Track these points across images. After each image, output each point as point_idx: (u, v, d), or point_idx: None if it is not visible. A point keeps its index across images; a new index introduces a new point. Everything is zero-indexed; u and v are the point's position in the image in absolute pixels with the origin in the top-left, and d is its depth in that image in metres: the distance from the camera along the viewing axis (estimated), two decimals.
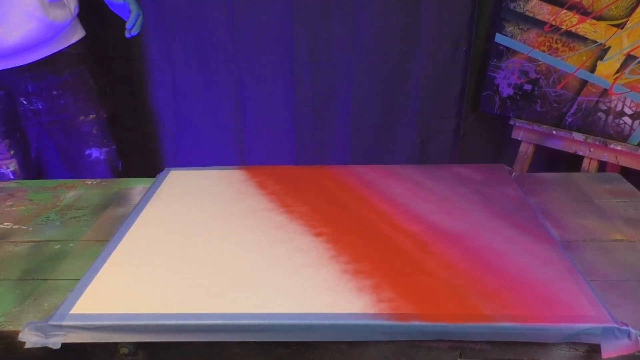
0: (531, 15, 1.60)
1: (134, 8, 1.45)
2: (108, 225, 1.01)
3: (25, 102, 1.47)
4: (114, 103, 1.66)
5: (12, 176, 1.46)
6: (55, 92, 1.46)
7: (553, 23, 1.57)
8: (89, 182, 1.21)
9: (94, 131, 1.53)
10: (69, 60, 1.47)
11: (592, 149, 1.56)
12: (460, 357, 0.72)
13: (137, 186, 1.18)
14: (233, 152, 1.92)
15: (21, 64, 1.39)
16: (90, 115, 1.51)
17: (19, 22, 1.31)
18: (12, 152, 1.47)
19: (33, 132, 1.63)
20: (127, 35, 1.45)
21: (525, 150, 1.71)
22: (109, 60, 1.81)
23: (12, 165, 1.46)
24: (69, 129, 1.51)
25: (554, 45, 1.58)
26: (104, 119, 1.55)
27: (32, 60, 1.40)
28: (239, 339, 0.72)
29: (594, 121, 1.54)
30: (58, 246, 0.94)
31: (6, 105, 1.44)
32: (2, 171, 1.45)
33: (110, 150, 1.57)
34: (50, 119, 1.50)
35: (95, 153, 1.54)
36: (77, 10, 1.47)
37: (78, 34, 1.50)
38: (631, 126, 1.48)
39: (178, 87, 1.85)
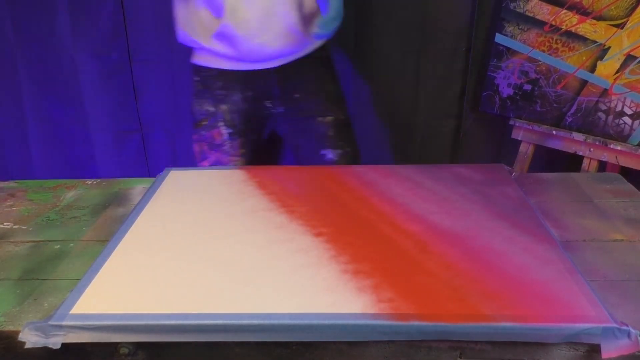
0: (531, 15, 1.60)
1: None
2: (108, 225, 1.01)
3: (269, 106, 1.48)
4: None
5: None
6: (297, 95, 1.47)
7: (553, 23, 1.57)
8: (89, 182, 1.21)
9: (330, 133, 1.52)
10: (311, 63, 1.47)
11: (592, 149, 1.56)
12: (460, 357, 0.72)
13: (137, 186, 1.18)
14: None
15: (272, 67, 1.41)
16: (328, 117, 1.51)
17: (277, 35, 1.36)
18: (242, 150, 1.48)
19: (267, 134, 1.61)
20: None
21: (525, 150, 1.71)
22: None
23: (239, 163, 1.48)
24: (307, 131, 1.51)
25: (554, 45, 1.58)
26: (341, 120, 1.54)
27: (282, 64, 1.42)
28: (239, 339, 0.72)
29: (594, 121, 1.54)
30: (58, 246, 0.94)
31: (251, 106, 1.46)
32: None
33: (344, 153, 1.54)
34: (291, 120, 1.52)
35: (329, 155, 1.53)
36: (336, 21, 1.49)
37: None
38: (631, 126, 1.48)
39: (178, 87, 1.85)
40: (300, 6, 1.36)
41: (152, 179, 1.18)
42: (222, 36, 1.35)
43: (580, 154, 1.59)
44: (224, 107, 1.45)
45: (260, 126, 1.53)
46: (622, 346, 0.69)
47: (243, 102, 1.46)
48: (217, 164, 1.48)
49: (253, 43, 1.35)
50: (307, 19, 1.39)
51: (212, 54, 1.41)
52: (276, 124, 1.55)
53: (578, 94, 1.56)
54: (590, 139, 1.55)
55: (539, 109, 1.65)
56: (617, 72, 1.48)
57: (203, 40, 1.38)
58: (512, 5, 1.64)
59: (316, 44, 1.46)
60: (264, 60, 1.40)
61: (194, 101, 1.48)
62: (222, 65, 1.42)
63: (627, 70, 1.46)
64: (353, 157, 1.57)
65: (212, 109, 1.46)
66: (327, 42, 1.51)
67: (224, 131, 1.47)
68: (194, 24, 1.39)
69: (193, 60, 1.46)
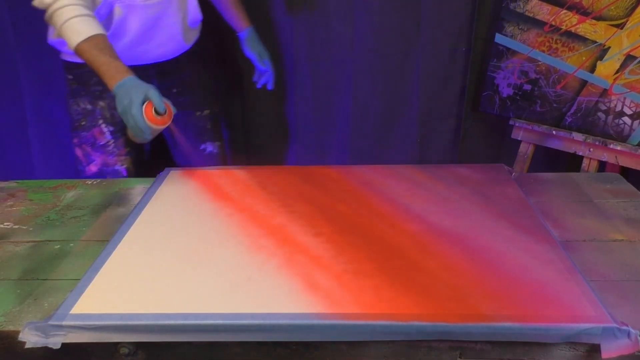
0: (531, 15, 1.60)
1: (269, 68, 1.60)
2: (108, 225, 1.01)
3: None
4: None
5: (125, 174, 1.44)
6: (175, 90, 1.48)
7: (553, 23, 1.57)
8: (89, 182, 1.21)
9: (208, 126, 1.55)
10: (189, 59, 1.50)
11: (592, 149, 1.56)
12: (460, 357, 0.72)
13: (137, 186, 1.18)
14: (233, 152, 1.92)
15: (147, 63, 1.42)
16: (205, 111, 1.54)
17: (163, 42, 1.39)
18: (128, 149, 1.45)
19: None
20: (259, 85, 1.62)
21: (525, 150, 1.71)
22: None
23: (126, 162, 1.44)
24: (186, 125, 1.52)
25: (554, 46, 1.58)
26: (216, 113, 1.59)
27: (159, 60, 1.44)
28: (239, 339, 0.72)
29: (594, 121, 1.54)
30: (58, 246, 0.94)
31: None
32: (116, 168, 1.44)
33: (221, 145, 1.60)
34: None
35: (210, 147, 1.56)
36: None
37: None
38: (631, 126, 1.48)
39: None
40: (185, 17, 1.39)
41: (152, 179, 1.18)
42: None
43: (580, 154, 1.59)
44: (102, 103, 1.41)
45: None
46: (622, 346, 0.69)
47: None
48: (104, 167, 1.43)
49: (134, 50, 1.35)
50: (190, 26, 1.43)
51: None
52: None
53: (578, 94, 1.56)
54: (590, 139, 1.55)
55: (539, 109, 1.65)
56: (617, 72, 1.48)
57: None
58: (512, 5, 1.64)
59: (192, 41, 1.49)
60: (143, 63, 1.40)
61: (69, 101, 1.43)
62: None
63: (627, 70, 1.46)
64: (224, 150, 1.61)
65: (89, 106, 1.41)
66: (202, 38, 1.54)
67: (105, 129, 1.42)
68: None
69: (63, 57, 1.40)
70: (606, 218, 1.00)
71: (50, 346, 0.71)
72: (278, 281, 0.79)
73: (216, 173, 1.19)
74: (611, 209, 1.03)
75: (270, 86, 1.64)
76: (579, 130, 1.57)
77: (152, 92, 1.13)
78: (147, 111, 1.12)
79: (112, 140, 1.42)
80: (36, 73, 1.83)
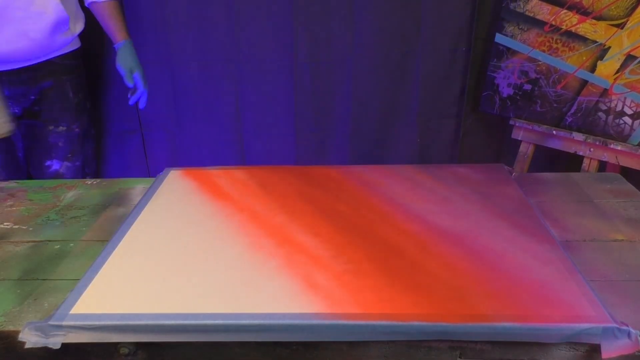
0: (531, 15, 1.60)
1: (140, 85, 1.52)
2: (108, 225, 1.01)
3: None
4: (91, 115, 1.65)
5: None
6: (32, 97, 1.44)
7: (553, 23, 1.57)
8: (89, 182, 1.21)
9: (60, 144, 1.51)
10: (52, 69, 1.45)
11: (592, 149, 1.56)
12: (460, 357, 0.72)
13: (137, 186, 1.18)
14: (233, 152, 1.92)
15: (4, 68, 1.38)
16: (60, 127, 1.49)
17: (12, 37, 1.32)
18: None
19: (18, 132, 1.58)
20: (131, 103, 1.53)
21: (525, 150, 1.71)
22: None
23: None
24: (36, 136, 1.49)
25: (554, 45, 1.58)
26: (75, 133, 1.53)
27: (11, 68, 1.38)
28: (239, 339, 0.72)
29: (594, 121, 1.54)
30: (58, 246, 0.94)
31: None
32: None
33: (73, 166, 1.54)
34: (23, 122, 1.48)
35: (56, 165, 1.52)
36: (81, 29, 1.47)
37: (70, 46, 1.49)
38: (631, 126, 1.48)
39: (178, 87, 1.85)
40: (42, 14, 1.32)
41: (152, 179, 1.18)
42: None
43: (580, 154, 1.59)
44: None
45: None
46: (622, 346, 0.69)
47: None
48: None
49: None
50: (51, 27, 1.35)
51: None
52: (18, 126, 1.49)
53: (578, 94, 1.56)
54: (590, 139, 1.55)
55: (539, 109, 1.65)
56: (617, 72, 1.48)
57: None
58: (512, 5, 1.64)
59: (60, 50, 1.43)
60: None
61: None
62: None
63: (627, 70, 1.46)
64: (83, 170, 1.54)
65: None
66: (78, 51, 1.49)
67: None
68: None
69: None
70: (606, 218, 0.99)
71: (50, 346, 0.71)
72: (278, 281, 0.79)
73: (216, 173, 1.19)
74: (611, 209, 1.03)
75: (142, 105, 1.57)
76: (579, 130, 1.57)
77: None
78: None
79: None
80: None
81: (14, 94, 1.42)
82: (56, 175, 1.52)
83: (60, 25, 1.39)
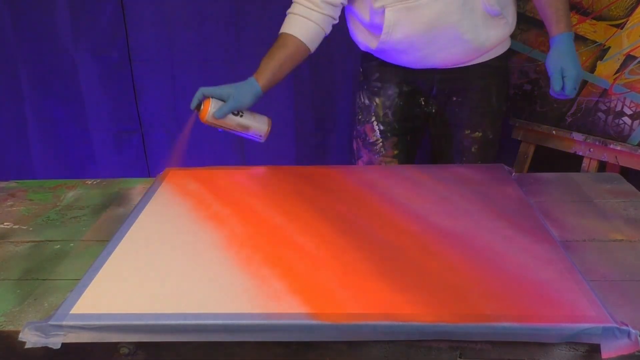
0: (531, 15, 1.60)
1: (566, 89, 1.25)
2: (108, 225, 1.01)
3: (422, 104, 1.41)
4: None
5: None
6: (454, 99, 1.38)
7: None
8: (89, 182, 1.21)
9: (473, 149, 1.40)
10: (482, 71, 1.35)
11: (592, 149, 1.56)
12: (460, 357, 0.72)
13: (137, 186, 1.18)
14: (233, 152, 1.92)
15: (437, 67, 1.33)
16: (476, 133, 1.39)
17: (442, 47, 1.27)
18: (395, 152, 1.40)
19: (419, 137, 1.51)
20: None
21: (525, 150, 1.71)
22: None
23: (392, 165, 1.40)
24: (452, 140, 1.42)
25: None
26: (478, 138, 1.40)
27: (448, 67, 1.33)
28: (238, 339, 0.72)
29: (594, 121, 1.54)
30: (58, 246, 0.94)
31: (405, 103, 1.39)
32: None
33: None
34: (440, 124, 1.43)
35: None
36: (514, 25, 1.33)
37: (502, 46, 1.37)
38: (631, 126, 1.48)
39: (178, 87, 1.85)
40: (470, 14, 1.22)
41: (152, 179, 1.18)
42: (382, 52, 1.32)
43: (580, 154, 1.59)
44: (377, 100, 1.39)
45: (414, 126, 1.44)
46: (622, 346, 0.69)
47: (398, 98, 1.38)
48: (369, 164, 1.41)
49: (413, 55, 1.29)
50: (480, 27, 1.25)
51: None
52: (426, 126, 1.46)
53: (578, 94, 1.56)
54: (590, 139, 1.55)
55: (538, 109, 1.64)
56: (617, 72, 1.48)
57: (370, 45, 1.33)
58: None
59: (492, 53, 1.34)
60: (426, 67, 1.33)
61: (355, 93, 1.46)
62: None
63: (627, 70, 1.46)
64: None
65: (367, 101, 1.41)
66: (506, 52, 1.38)
67: (376, 127, 1.40)
68: (358, 32, 1.35)
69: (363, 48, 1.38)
70: (606, 218, 0.99)
71: (50, 346, 0.71)
72: (278, 281, 0.79)
73: (216, 173, 1.19)
74: (611, 209, 1.03)
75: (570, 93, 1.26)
76: (579, 130, 1.57)
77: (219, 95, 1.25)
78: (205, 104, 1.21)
79: (381, 140, 1.40)
80: (36, 73, 1.83)
81: (440, 93, 1.39)
82: None
83: (487, 22, 1.27)
